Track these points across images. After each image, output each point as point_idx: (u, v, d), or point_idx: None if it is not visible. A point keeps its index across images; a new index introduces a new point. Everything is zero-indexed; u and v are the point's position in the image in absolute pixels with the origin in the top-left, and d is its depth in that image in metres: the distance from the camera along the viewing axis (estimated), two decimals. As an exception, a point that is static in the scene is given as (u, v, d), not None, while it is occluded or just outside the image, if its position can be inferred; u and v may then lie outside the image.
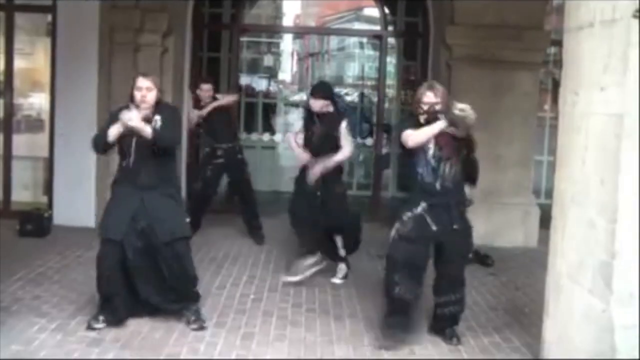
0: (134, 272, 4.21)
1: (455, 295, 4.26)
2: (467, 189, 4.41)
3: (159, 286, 4.28)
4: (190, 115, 6.85)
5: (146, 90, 4.19)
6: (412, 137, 4.10)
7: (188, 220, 4.92)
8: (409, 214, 4.12)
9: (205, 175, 6.72)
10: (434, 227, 4.09)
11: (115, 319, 4.21)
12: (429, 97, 4.14)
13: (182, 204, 4.73)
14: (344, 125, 5.32)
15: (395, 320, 4.17)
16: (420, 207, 4.10)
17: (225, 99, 6.76)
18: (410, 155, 4.17)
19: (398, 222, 4.16)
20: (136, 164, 4.22)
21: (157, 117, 4.20)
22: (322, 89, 5.59)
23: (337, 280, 5.45)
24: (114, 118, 4.19)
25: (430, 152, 4.11)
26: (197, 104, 6.73)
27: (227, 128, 6.79)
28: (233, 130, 7.09)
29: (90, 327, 4.16)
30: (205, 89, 6.69)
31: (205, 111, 6.61)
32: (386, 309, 4.27)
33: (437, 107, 4.10)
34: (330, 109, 5.38)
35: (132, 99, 4.23)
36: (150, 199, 4.20)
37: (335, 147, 5.28)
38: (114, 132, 4.15)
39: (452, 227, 4.12)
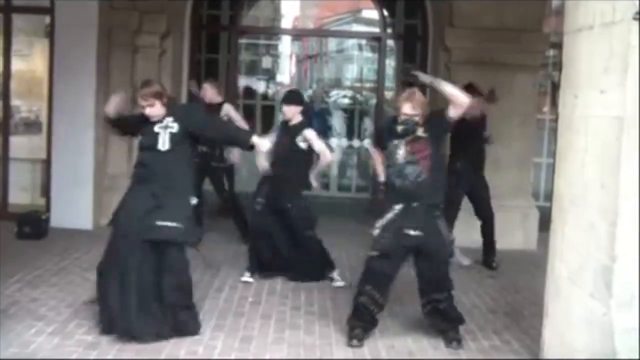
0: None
1: (441, 294, 4.27)
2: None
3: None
4: None
5: (149, 108, 4.18)
6: (372, 155, 4.55)
7: None
8: (383, 221, 4.20)
9: None
10: (413, 233, 4.13)
11: None
12: (407, 108, 4.18)
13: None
14: (306, 132, 5.35)
15: (356, 322, 4.26)
16: (393, 212, 4.17)
17: None
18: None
19: (375, 233, 4.23)
20: None
21: (170, 123, 4.19)
22: (294, 97, 5.66)
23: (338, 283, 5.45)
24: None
25: (400, 155, 4.19)
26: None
27: None
28: None
29: None
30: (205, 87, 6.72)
31: None
32: (351, 309, 4.33)
33: (416, 119, 4.16)
34: (300, 118, 5.46)
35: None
36: None
37: (305, 159, 5.40)
38: None
39: (426, 231, 4.16)
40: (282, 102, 5.62)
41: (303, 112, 5.52)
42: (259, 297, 5.10)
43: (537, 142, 8.16)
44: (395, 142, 4.23)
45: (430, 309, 4.31)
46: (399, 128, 4.19)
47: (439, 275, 4.26)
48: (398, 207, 4.17)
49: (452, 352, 4.18)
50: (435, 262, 4.23)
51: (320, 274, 5.51)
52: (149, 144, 4.18)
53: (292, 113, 5.45)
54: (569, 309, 3.42)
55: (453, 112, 4.16)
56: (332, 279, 5.49)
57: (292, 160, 5.38)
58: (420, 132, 4.19)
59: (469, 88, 6.08)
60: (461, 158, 6.04)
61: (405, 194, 4.17)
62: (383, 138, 4.44)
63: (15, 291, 4.88)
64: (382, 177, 4.49)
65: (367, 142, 9.56)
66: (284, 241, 5.51)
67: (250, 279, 5.42)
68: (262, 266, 5.52)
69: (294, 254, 5.51)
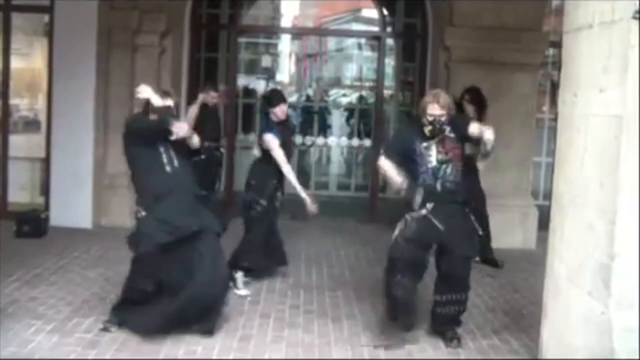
0: None
1: (456, 295, 4.25)
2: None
3: None
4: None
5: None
6: (383, 168, 4.25)
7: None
8: (413, 214, 4.12)
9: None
10: (441, 227, 4.09)
11: None
12: (434, 109, 4.15)
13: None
14: (265, 136, 5.17)
15: (400, 321, 4.20)
16: (425, 209, 4.10)
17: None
18: (411, 159, 4.17)
19: (401, 223, 4.16)
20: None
21: None
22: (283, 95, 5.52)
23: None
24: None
25: (432, 156, 4.14)
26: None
27: (211, 128, 6.68)
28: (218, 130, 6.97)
29: None
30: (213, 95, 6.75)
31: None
32: (388, 309, 4.28)
33: (442, 119, 4.14)
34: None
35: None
36: None
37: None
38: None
39: (455, 228, 4.12)
40: (282, 101, 5.34)
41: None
42: (258, 296, 5.10)
43: (537, 141, 8.16)
44: (425, 144, 4.16)
45: (442, 310, 4.28)
46: (428, 129, 4.15)
47: (461, 273, 4.23)
48: (430, 206, 4.10)
49: (452, 351, 4.18)
50: (459, 258, 4.19)
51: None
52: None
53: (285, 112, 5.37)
54: (567, 308, 3.42)
55: (475, 132, 4.13)
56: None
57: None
58: (447, 131, 4.16)
59: (470, 92, 6.08)
60: None
61: (441, 195, 4.11)
62: (401, 149, 4.28)
63: (14, 290, 4.88)
64: (404, 183, 4.18)
65: (367, 142, 9.55)
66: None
67: (246, 291, 5.17)
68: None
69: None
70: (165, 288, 4.18)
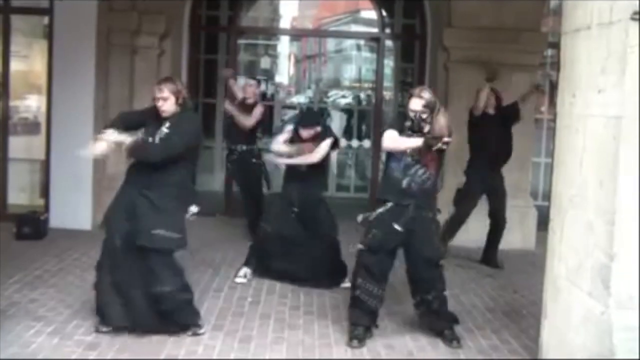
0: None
1: (431, 294, 4.29)
2: None
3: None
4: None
5: (162, 100, 4.15)
6: (388, 140, 4.21)
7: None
8: (372, 214, 4.23)
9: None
10: (399, 228, 4.15)
11: None
12: (415, 104, 4.19)
13: (175, 213, 4.19)
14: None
15: (356, 314, 4.30)
16: (385, 207, 4.19)
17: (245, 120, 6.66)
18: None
19: (365, 228, 4.26)
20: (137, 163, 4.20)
21: (164, 128, 4.11)
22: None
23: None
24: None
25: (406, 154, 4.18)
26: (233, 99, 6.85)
27: (239, 130, 6.70)
28: (247, 132, 6.77)
29: None
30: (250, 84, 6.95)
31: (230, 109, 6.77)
32: (349, 304, 4.39)
33: (424, 116, 4.17)
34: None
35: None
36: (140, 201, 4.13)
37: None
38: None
39: (414, 230, 4.18)
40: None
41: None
42: (258, 297, 5.10)
43: (536, 142, 8.17)
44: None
45: (424, 310, 4.34)
46: (407, 124, 4.21)
47: (427, 276, 4.29)
48: (390, 204, 4.19)
49: (452, 351, 4.18)
50: (422, 261, 4.26)
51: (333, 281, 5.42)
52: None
53: None
54: (567, 308, 3.42)
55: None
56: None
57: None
58: (419, 143, 4.12)
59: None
60: (478, 157, 6.12)
61: (404, 193, 4.18)
62: (397, 130, 4.31)
63: (15, 292, 4.88)
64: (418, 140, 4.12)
65: (367, 143, 9.55)
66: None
67: (245, 280, 5.41)
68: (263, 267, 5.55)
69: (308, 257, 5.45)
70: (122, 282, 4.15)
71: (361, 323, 4.26)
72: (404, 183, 4.18)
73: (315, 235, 5.38)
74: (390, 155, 4.28)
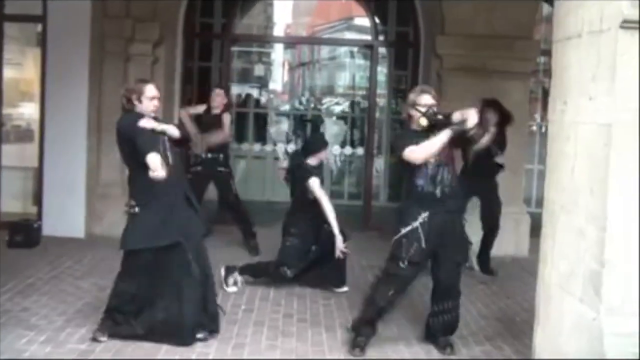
0: None
1: (450, 303, 4.27)
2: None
3: None
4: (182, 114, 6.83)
5: (158, 100, 4.22)
6: (419, 152, 4.05)
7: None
8: (407, 228, 4.10)
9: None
10: (423, 245, 4.08)
11: None
12: (427, 99, 4.18)
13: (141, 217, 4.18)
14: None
15: (366, 328, 4.27)
16: (420, 219, 4.09)
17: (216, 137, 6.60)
18: (409, 165, 4.13)
19: (395, 241, 4.14)
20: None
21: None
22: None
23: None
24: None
25: (430, 160, 4.12)
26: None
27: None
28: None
29: None
30: (217, 92, 6.80)
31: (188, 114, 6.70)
32: (363, 314, 4.32)
33: (435, 109, 4.17)
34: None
35: (129, 105, 4.18)
36: None
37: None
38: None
39: (447, 236, 4.15)
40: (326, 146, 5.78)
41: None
42: (252, 304, 5.10)
43: (529, 149, 8.20)
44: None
45: (439, 319, 4.30)
46: (423, 121, 4.11)
47: (454, 281, 4.27)
48: (425, 215, 4.09)
49: (445, 358, 4.19)
50: (453, 266, 4.23)
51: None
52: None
53: None
54: (559, 314, 3.43)
55: (458, 117, 4.08)
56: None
57: None
58: (450, 133, 4.04)
59: (491, 104, 6.02)
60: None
61: (439, 202, 4.11)
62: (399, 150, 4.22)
63: (7, 300, 4.86)
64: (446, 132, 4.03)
65: (360, 150, 9.56)
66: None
67: (235, 288, 5.41)
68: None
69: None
70: (144, 294, 4.16)
71: (372, 333, 4.26)
72: (438, 193, 4.11)
73: (330, 252, 5.40)
74: (413, 173, 4.13)
